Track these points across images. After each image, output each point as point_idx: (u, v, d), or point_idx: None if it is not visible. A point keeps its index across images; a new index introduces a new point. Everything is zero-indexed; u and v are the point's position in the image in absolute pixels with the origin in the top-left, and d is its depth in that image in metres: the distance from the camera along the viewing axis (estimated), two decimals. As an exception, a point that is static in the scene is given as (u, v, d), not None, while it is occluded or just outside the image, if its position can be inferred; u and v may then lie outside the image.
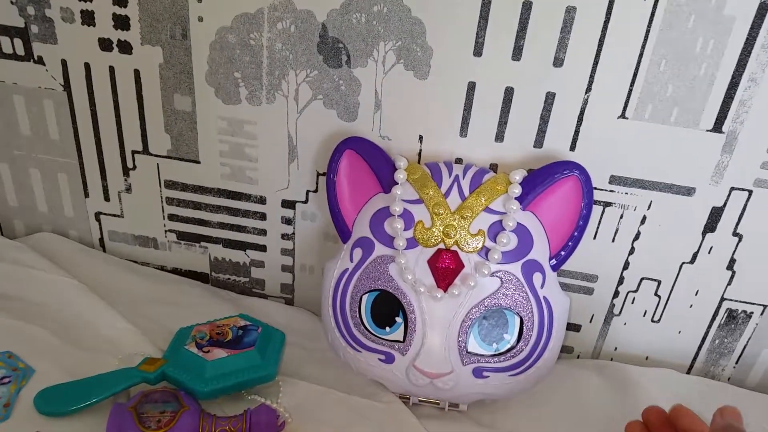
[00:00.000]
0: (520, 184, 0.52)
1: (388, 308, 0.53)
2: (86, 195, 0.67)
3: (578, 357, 0.66)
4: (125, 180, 0.65)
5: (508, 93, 0.54)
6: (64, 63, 0.60)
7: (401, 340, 0.53)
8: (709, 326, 0.62)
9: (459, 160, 0.58)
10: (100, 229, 0.69)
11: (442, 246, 0.52)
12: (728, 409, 0.41)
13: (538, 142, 0.56)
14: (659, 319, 0.63)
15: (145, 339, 0.58)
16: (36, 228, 0.70)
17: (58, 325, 0.58)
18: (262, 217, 0.65)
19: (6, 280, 0.62)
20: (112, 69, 0.59)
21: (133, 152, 0.63)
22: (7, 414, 0.50)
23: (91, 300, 0.61)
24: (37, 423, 0.49)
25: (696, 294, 0.61)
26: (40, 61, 0.60)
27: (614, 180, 0.56)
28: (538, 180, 0.53)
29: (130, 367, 0.53)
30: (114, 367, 0.53)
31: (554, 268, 0.54)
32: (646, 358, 0.65)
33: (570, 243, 0.54)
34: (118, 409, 0.48)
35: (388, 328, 0.53)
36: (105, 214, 0.68)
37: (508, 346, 0.52)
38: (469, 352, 0.52)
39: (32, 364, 0.54)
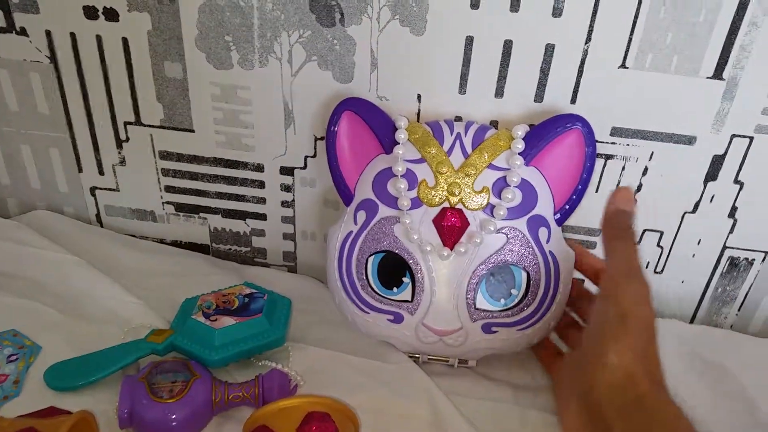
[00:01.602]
0: (522, 139, 0.52)
1: (395, 269, 0.53)
2: (80, 170, 0.66)
3: (582, 311, 0.67)
4: (119, 152, 0.64)
5: (507, 46, 0.53)
6: (48, 33, 0.58)
7: (409, 299, 0.53)
8: (712, 275, 0.63)
9: (459, 119, 0.57)
10: (96, 204, 0.68)
11: (446, 204, 0.51)
12: (620, 193, 0.38)
13: (539, 96, 0.55)
14: (662, 270, 0.63)
15: (151, 311, 0.57)
16: (30, 206, 0.69)
17: (60, 302, 0.57)
18: (261, 185, 0.64)
19: (4, 258, 0.61)
20: (99, 38, 0.58)
21: (126, 123, 0.62)
22: (18, 390, 0.49)
23: (92, 275, 0.60)
24: (48, 398, 0.48)
25: (698, 243, 0.61)
26: (23, 32, 0.58)
27: (615, 132, 0.56)
28: (541, 134, 0.52)
29: (138, 340, 0.53)
30: (121, 341, 0.53)
31: (559, 222, 0.54)
32: (649, 309, 0.66)
33: (574, 197, 0.53)
34: (129, 381, 0.48)
35: (395, 289, 0.53)
36: (100, 188, 0.66)
37: (516, 300, 0.53)
38: (477, 309, 0.52)
39: (38, 341, 0.53)
